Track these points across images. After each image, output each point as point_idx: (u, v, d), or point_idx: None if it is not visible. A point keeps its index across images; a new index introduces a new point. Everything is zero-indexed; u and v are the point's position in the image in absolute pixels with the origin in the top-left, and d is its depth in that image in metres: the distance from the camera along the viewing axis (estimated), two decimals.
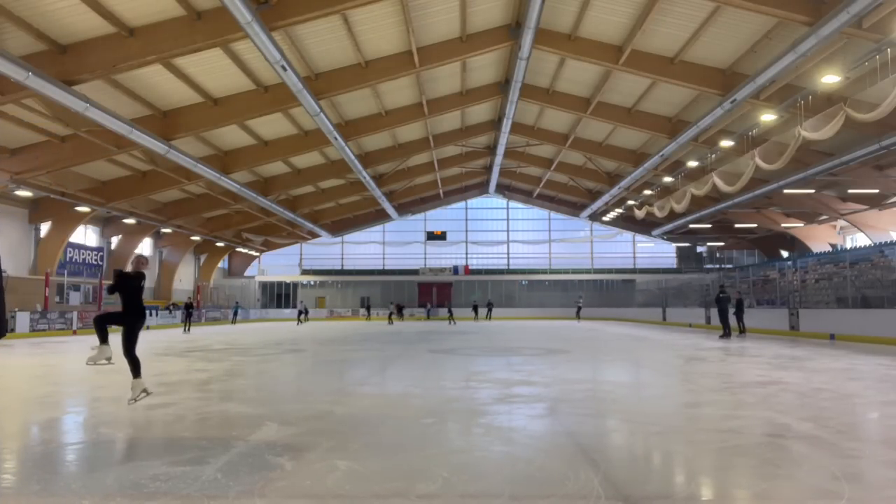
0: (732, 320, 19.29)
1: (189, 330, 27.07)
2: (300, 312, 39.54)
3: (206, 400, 7.34)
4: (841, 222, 35.60)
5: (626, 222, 45.86)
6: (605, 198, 36.80)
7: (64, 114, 18.03)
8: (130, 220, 30.83)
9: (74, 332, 24.15)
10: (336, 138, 22.73)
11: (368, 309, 44.37)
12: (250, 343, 18.26)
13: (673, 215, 34.04)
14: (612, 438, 5.33)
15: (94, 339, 6.74)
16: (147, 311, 7.09)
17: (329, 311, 48.96)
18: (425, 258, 51.25)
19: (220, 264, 48.71)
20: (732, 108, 19.26)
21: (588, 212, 43.30)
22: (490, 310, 43.11)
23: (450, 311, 38.21)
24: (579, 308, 41.33)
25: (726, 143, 22.93)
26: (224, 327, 33.35)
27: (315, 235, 47.26)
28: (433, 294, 49.47)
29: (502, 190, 47.70)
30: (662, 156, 26.08)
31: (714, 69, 19.77)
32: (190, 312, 28.02)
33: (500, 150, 31.36)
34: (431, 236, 50.37)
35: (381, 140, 29.82)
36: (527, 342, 17.86)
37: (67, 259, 29.17)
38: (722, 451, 4.66)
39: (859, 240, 34.85)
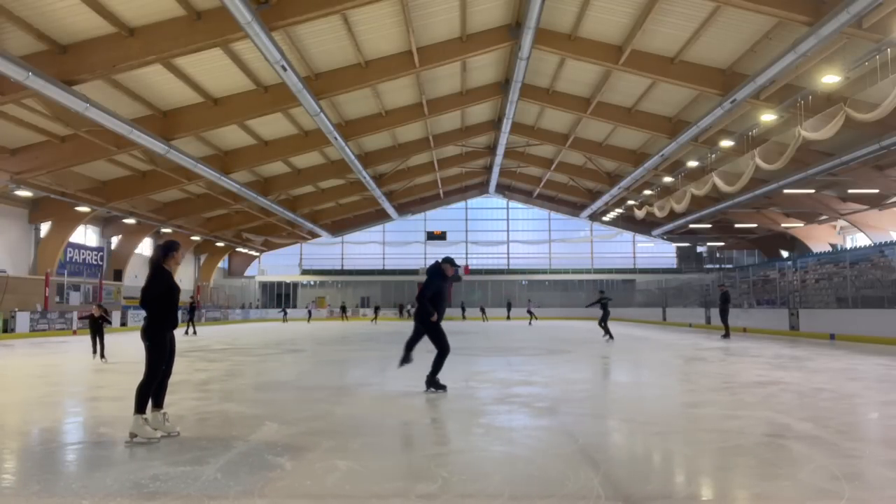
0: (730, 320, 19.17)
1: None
2: (376, 310, 42.47)
3: (206, 400, 7.34)
4: (841, 222, 35.59)
5: (626, 222, 45.88)
6: (605, 198, 36.80)
7: (64, 114, 18.03)
8: (130, 220, 30.84)
9: (74, 332, 24.12)
10: (336, 138, 22.72)
11: (401, 309, 43.61)
12: (250, 343, 18.26)
13: (673, 215, 34.04)
14: (612, 438, 5.33)
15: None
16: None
17: (330, 311, 48.88)
18: (425, 258, 51.17)
19: (220, 264, 48.72)
20: (732, 108, 19.25)
21: (588, 212, 43.30)
22: (509, 309, 43.87)
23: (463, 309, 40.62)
24: (480, 310, 41.24)
25: (726, 143, 22.93)
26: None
27: (315, 235, 47.24)
28: None
29: (502, 190, 47.69)
30: (662, 156, 26.08)
31: (714, 69, 19.76)
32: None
33: (500, 150, 31.35)
34: (431, 236, 50.34)
35: (381, 140, 29.81)
36: (527, 342, 17.86)
37: (67, 259, 29.17)
38: (722, 451, 4.66)
39: (859, 240, 34.85)
